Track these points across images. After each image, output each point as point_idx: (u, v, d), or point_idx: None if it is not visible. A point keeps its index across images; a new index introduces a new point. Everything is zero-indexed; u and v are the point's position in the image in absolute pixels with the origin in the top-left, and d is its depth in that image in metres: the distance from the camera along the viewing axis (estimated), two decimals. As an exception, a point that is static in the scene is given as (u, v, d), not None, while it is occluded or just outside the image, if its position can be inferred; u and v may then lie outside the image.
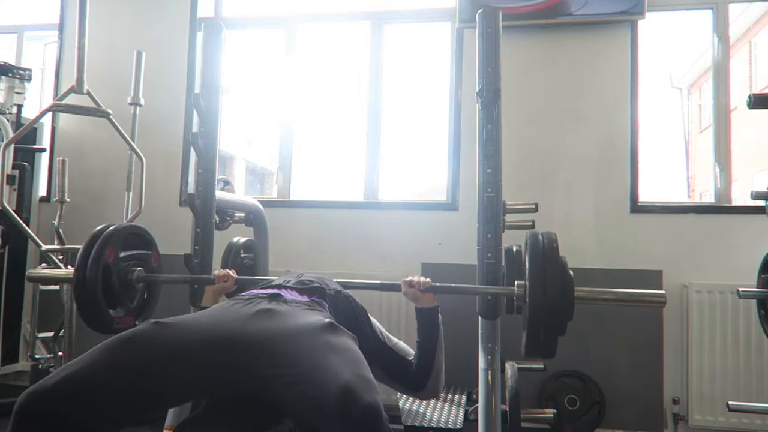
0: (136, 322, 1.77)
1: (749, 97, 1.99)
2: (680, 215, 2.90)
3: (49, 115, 3.43)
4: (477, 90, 1.70)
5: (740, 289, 2.19)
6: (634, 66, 2.96)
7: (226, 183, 2.30)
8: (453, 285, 1.63)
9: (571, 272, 1.43)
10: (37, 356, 2.91)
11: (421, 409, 2.39)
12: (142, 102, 2.97)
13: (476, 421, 1.68)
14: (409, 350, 1.72)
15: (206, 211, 1.91)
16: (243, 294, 1.50)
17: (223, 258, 2.12)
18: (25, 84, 3.18)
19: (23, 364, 3.34)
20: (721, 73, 2.97)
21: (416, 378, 1.65)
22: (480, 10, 1.73)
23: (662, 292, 1.52)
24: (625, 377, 2.79)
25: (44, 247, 2.48)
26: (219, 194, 1.98)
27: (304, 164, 3.56)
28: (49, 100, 3.52)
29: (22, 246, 3.30)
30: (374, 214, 3.16)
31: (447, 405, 2.46)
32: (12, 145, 2.58)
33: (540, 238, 1.46)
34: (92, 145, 3.48)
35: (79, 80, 2.49)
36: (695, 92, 9.84)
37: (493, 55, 1.69)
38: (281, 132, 3.42)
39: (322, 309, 1.46)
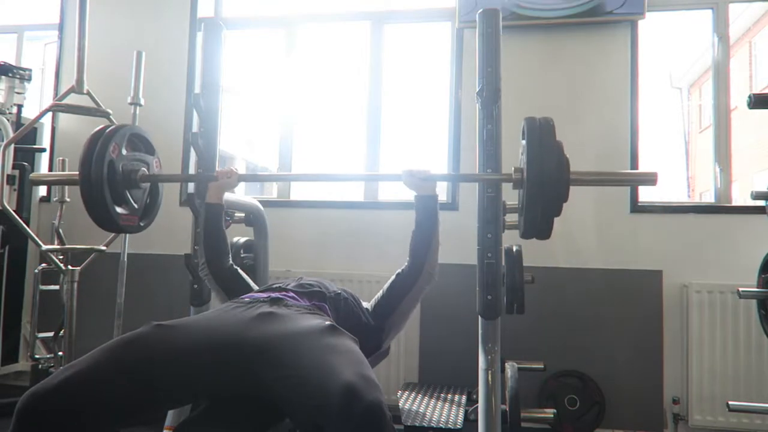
0: (141, 224, 1.79)
1: (749, 97, 1.99)
2: (680, 215, 2.90)
3: (49, 115, 3.43)
4: (477, 90, 1.70)
5: (740, 289, 2.20)
6: (634, 66, 2.96)
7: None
8: (452, 174, 1.67)
9: (567, 156, 1.46)
10: (37, 356, 2.91)
11: (421, 409, 2.39)
12: (142, 102, 2.97)
13: (476, 421, 1.69)
14: (393, 275, 1.72)
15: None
16: (243, 297, 1.50)
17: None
18: (25, 84, 3.18)
19: (23, 364, 3.34)
20: (721, 73, 2.97)
21: (413, 268, 1.67)
22: (480, 10, 1.74)
23: (653, 171, 1.55)
24: (625, 377, 2.79)
25: (44, 247, 2.48)
26: (219, 194, 1.98)
27: (304, 164, 3.56)
28: (49, 100, 3.51)
29: (22, 246, 3.29)
30: (374, 214, 3.16)
31: (447, 405, 2.46)
32: (12, 145, 2.58)
33: (536, 120, 1.50)
34: (92, 145, 3.48)
35: (79, 80, 2.49)
36: (695, 92, 9.85)
37: (493, 55, 1.69)
38: (281, 132, 3.42)
39: (322, 312, 1.46)
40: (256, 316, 1.31)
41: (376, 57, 3.30)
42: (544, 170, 1.42)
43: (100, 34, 3.12)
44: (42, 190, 3.52)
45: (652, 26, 3.05)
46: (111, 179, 1.64)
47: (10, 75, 3.10)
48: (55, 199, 3.03)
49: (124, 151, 1.71)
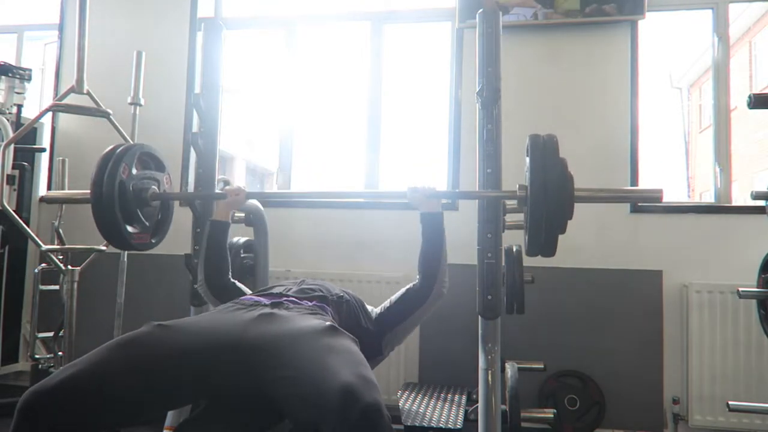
0: (152, 240, 1.80)
1: (749, 97, 1.99)
2: (680, 215, 2.90)
3: (49, 115, 3.43)
4: (477, 90, 1.70)
5: (740, 289, 2.20)
6: (634, 66, 2.95)
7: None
8: (456, 191, 1.66)
9: (571, 172, 1.45)
10: (37, 356, 2.91)
11: (421, 409, 2.39)
12: (142, 102, 2.97)
13: (476, 421, 1.69)
14: (403, 288, 1.71)
15: (206, 211, 1.91)
16: (244, 299, 1.51)
17: (223, 258, 2.11)
18: (25, 84, 3.18)
19: (23, 364, 3.34)
20: (721, 73, 2.97)
21: (422, 288, 1.65)
22: (480, 10, 1.74)
23: (658, 188, 1.53)
24: (625, 377, 2.79)
25: (44, 247, 2.48)
26: (219, 194, 1.98)
27: (304, 164, 3.56)
28: (49, 100, 3.51)
29: (22, 246, 3.30)
30: (374, 214, 3.16)
31: (447, 405, 2.46)
32: (12, 145, 2.58)
33: (540, 137, 1.48)
34: (92, 145, 3.47)
35: (79, 80, 2.49)
36: (695, 92, 9.85)
37: (493, 55, 1.69)
38: (281, 132, 3.42)
39: (324, 313, 1.46)
40: (257, 317, 1.31)
41: (376, 57, 3.30)
42: (548, 189, 1.40)
43: (100, 34, 3.13)
44: (42, 190, 3.52)
45: (652, 26, 3.05)
46: (122, 199, 1.66)
47: (10, 75, 3.10)
48: (55, 199, 3.03)
49: (134, 171, 1.72)
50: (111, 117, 2.60)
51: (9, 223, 2.64)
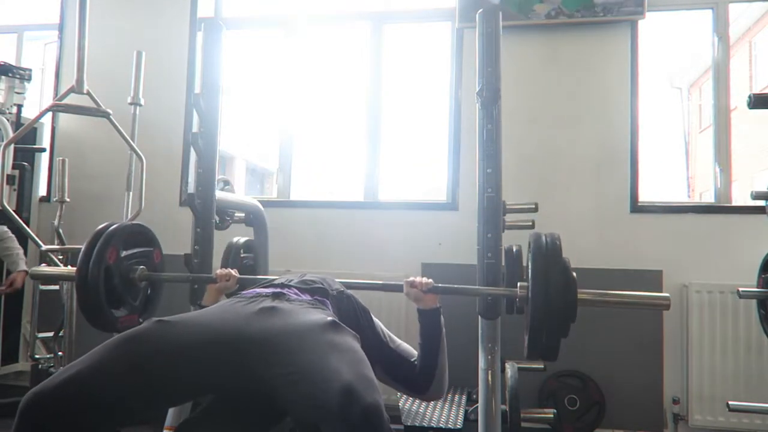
0: (140, 320, 1.76)
1: (749, 97, 1.99)
2: (680, 215, 2.90)
3: (49, 115, 3.44)
4: (477, 90, 1.70)
5: (740, 289, 2.20)
6: (634, 66, 2.96)
7: (226, 183, 2.30)
8: (455, 286, 1.63)
9: (574, 274, 1.42)
10: (37, 356, 2.91)
11: (421, 409, 2.39)
12: (142, 102, 2.97)
13: (476, 421, 1.68)
14: (412, 351, 1.70)
15: (206, 211, 1.91)
16: (245, 292, 1.49)
17: (223, 258, 2.12)
18: (25, 84, 3.18)
19: (23, 364, 3.34)
20: (721, 73, 2.97)
21: (419, 379, 1.63)
22: (480, 10, 1.73)
23: (666, 294, 1.51)
24: (625, 377, 2.79)
25: (44, 247, 2.48)
26: (219, 194, 1.98)
27: (304, 164, 3.56)
28: (49, 100, 3.51)
29: (22, 246, 3.29)
30: (374, 214, 3.16)
31: (447, 405, 2.46)
32: (12, 145, 2.58)
33: (543, 239, 1.44)
34: (92, 145, 3.48)
35: (79, 80, 2.49)
36: (695, 92, 9.84)
37: (493, 55, 1.69)
38: (281, 132, 3.42)
39: (325, 308, 1.45)
40: (258, 310, 1.30)
41: (376, 57, 3.30)
42: (549, 294, 1.36)
43: (100, 34, 3.13)
44: (42, 190, 3.52)
45: (652, 26, 3.05)
46: (108, 285, 1.62)
47: (10, 75, 3.10)
48: (55, 199, 3.03)
49: (122, 253, 1.69)
50: (111, 117, 2.60)
51: (9, 223, 2.64)
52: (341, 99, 3.91)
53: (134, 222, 1.86)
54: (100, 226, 1.69)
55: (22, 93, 3.18)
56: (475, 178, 1.71)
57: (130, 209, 2.92)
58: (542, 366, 2.50)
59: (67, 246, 2.78)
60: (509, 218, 1.79)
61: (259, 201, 2.43)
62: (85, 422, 1.08)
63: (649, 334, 2.79)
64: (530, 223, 1.83)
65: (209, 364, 1.20)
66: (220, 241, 2.02)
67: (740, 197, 3.05)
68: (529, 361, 2.46)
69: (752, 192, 2.15)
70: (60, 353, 2.75)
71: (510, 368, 2.17)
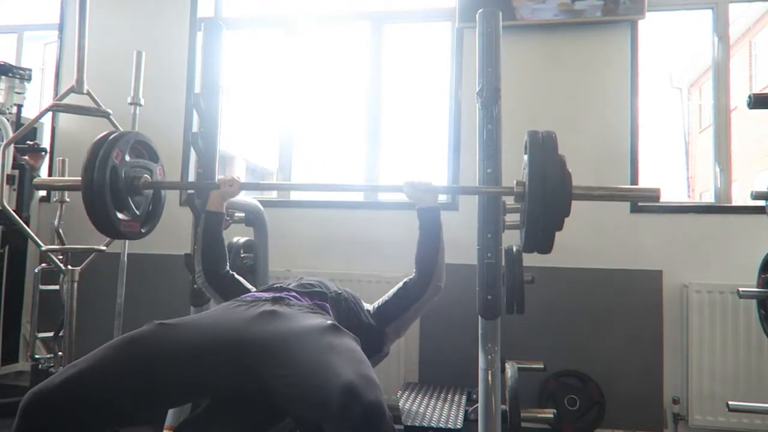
0: (142, 230, 1.78)
1: (749, 97, 1.98)
2: (680, 215, 2.90)
3: (49, 115, 3.43)
4: (477, 90, 1.70)
5: (740, 289, 2.20)
6: (634, 66, 2.95)
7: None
8: (454, 186, 1.65)
9: (570, 170, 1.44)
10: (37, 356, 2.91)
11: (421, 409, 2.39)
12: (142, 102, 2.97)
13: (476, 421, 1.69)
14: (400, 282, 1.71)
15: (206, 211, 1.91)
16: (246, 296, 1.51)
17: (223, 258, 2.11)
18: (25, 84, 3.18)
19: (23, 364, 3.34)
20: (721, 73, 2.97)
21: (420, 282, 1.65)
22: (480, 10, 1.74)
23: (656, 186, 1.52)
24: (625, 377, 2.79)
25: (44, 247, 2.48)
26: (219, 194, 1.98)
27: (304, 164, 3.56)
28: (49, 100, 3.51)
29: (22, 246, 3.29)
30: (374, 214, 3.16)
31: (447, 405, 2.46)
32: (12, 145, 2.58)
33: (539, 134, 1.48)
34: (92, 145, 3.48)
35: (79, 80, 2.49)
36: (695, 92, 9.85)
37: (493, 55, 1.69)
38: (281, 132, 3.42)
39: (324, 312, 1.47)
40: (258, 314, 1.31)
41: (376, 57, 3.30)
42: (546, 186, 1.39)
43: (100, 34, 3.12)
44: (42, 190, 3.52)
45: (652, 26, 3.05)
46: (113, 185, 1.62)
47: (10, 75, 3.10)
48: (55, 199, 3.03)
49: (127, 158, 1.70)
50: (111, 117, 2.60)
51: (9, 223, 2.65)
52: (341, 99, 3.91)
53: (138, 132, 1.83)
54: (105, 132, 1.69)
55: (22, 93, 3.17)
56: (475, 178, 1.71)
57: (130, 209, 2.91)
58: (542, 366, 2.50)
59: (67, 246, 2.78)
60: (509, 218, 1.79)
61: (259, 201, 2.43)
62: (86, 422, 1.08)
63: (648, 334, 2.79)
64: (530, 223, 1.83)
65: (210, 366, 1.20)
66: (220, 241, 2.02)
67: (740, 197, 3.06)
68: (529, 360, 2.47)
69: (752, 192, 2.14)
70: (60, 353, 2.75)
71: (510, 368, 2.17)
